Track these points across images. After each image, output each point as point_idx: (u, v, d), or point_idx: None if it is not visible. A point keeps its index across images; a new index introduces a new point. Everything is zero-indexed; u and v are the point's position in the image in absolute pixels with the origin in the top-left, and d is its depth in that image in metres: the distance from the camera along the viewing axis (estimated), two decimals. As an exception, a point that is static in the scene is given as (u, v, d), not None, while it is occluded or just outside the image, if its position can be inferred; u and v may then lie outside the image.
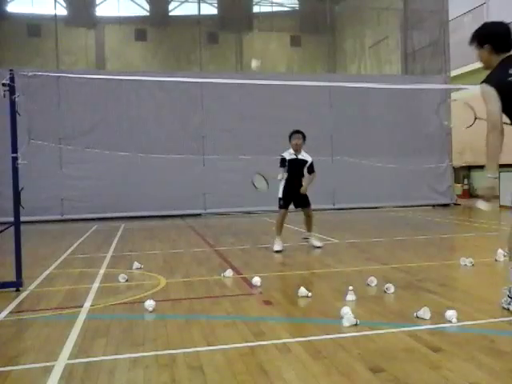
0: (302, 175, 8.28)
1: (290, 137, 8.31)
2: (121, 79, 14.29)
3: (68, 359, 3.47)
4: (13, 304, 5.02)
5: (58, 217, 15.09)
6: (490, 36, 4.07)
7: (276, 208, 8.44)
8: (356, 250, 8.21)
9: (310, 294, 4.94)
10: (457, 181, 20.03)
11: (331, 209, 16.13)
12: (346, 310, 4.10)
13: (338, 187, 16.31)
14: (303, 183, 8.24)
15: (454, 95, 17.58)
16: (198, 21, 19.57)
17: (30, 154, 6.67)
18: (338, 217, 14.69)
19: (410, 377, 3.00)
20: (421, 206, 16.83)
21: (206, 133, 15.87)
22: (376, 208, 16.44)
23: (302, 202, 8.38)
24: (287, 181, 8.22)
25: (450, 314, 4.02)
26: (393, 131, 16.79)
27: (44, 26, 23.17)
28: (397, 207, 16.54)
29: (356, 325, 3.94)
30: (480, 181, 20.07)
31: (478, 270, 6.24)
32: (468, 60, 16.04)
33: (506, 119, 4.01)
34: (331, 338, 3.72)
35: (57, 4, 19.26)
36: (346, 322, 3.96)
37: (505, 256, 6.15)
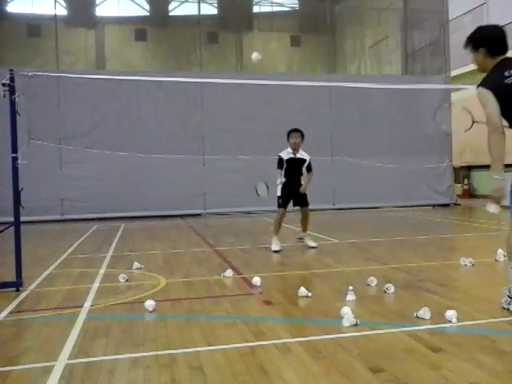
0: (301, 174, 8.24)
1: (288, 135, 8.24)
2: (121, 79, 14.28)
3: (68, 359, 3.47)
4: (13, 304, 5.01)
5: (58, 217, 15.10)
6: (484, 39, 4.09)
7: (276, 208, 8.44)
8: (356, 250, 8.21)
9: (309, 294, 4.94)
10: (457, 181, 20.02)
11: (331, 209, 16.13)
12: (346, 310, 4.10)
13: (338, 187, 16.30)
14: (302, 182, 8.22)
15: (453, 96, 17.58)
16: (198, 21, 19.55)
17: (30, 154, 6.69)
18: (338, 217, 14.69)
19: (410, 377, 3.00)
20: (421, 206, 16.82)
21: (206, 133, 15.87)
22: (376, 208, 16.43)
23: (301, 201, 8.37)
24: (286, 180, 8.19)
25: (450, 313, 4.02)
26: (393, 131, 16.78)
27: (44, 26, 23.18)
28: (397, 207, 16.54)
29: (356, 325, 3.94)
30: (480, 181, 20.10)
31: (478, 270, 6.24)
32: (468, 60, 15.73)
33: (503, 122, 4.01)
34: (331, 338, 3.72)
35: (57, 4, 19.24)
36: (345, 322, 3.97)
37: (505, 256, 6.14)
